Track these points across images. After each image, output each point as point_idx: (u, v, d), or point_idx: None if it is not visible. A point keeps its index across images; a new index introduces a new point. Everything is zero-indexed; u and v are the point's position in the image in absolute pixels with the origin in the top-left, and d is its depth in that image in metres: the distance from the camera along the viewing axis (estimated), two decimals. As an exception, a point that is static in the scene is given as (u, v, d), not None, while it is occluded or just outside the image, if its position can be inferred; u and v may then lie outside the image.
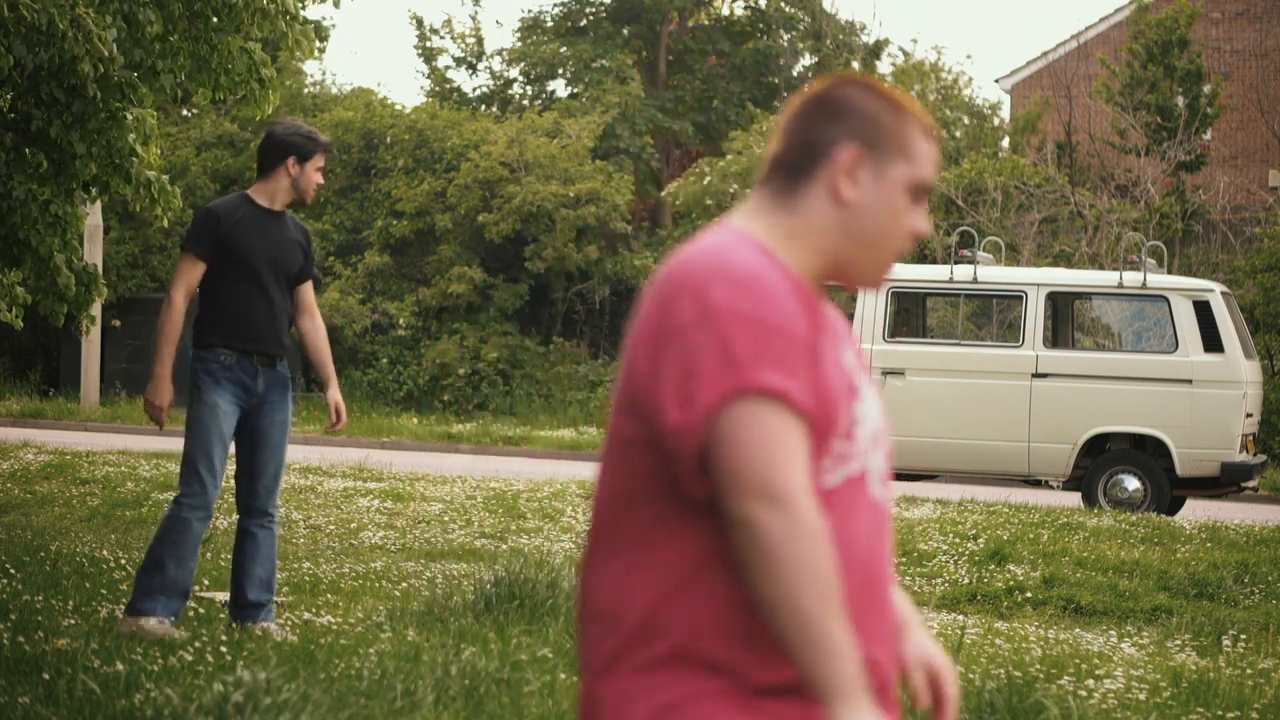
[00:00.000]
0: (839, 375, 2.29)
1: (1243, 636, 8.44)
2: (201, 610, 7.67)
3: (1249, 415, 14.48)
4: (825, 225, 2.35)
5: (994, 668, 6.51)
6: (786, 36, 33.89)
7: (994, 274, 15.19)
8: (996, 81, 32.57)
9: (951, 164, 26.32)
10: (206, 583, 8.50)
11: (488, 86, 34.22)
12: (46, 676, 5.87)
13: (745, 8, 34.67)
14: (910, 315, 16.43)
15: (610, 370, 26.49)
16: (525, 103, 33.05)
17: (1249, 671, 7.19)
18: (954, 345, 15.38)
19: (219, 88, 9.61)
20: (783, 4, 33.71)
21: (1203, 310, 14.31)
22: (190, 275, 7.18)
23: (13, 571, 8.47)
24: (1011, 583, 10.22)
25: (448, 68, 34.28)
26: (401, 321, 26.93)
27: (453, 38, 34.15)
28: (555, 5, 34.38)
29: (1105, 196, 25.17)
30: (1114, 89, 26.08)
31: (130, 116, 9.64)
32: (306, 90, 31.43)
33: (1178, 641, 8.33)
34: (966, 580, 10.34)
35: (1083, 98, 27.54)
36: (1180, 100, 25.75)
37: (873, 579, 2.31)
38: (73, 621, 7.21)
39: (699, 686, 2.22)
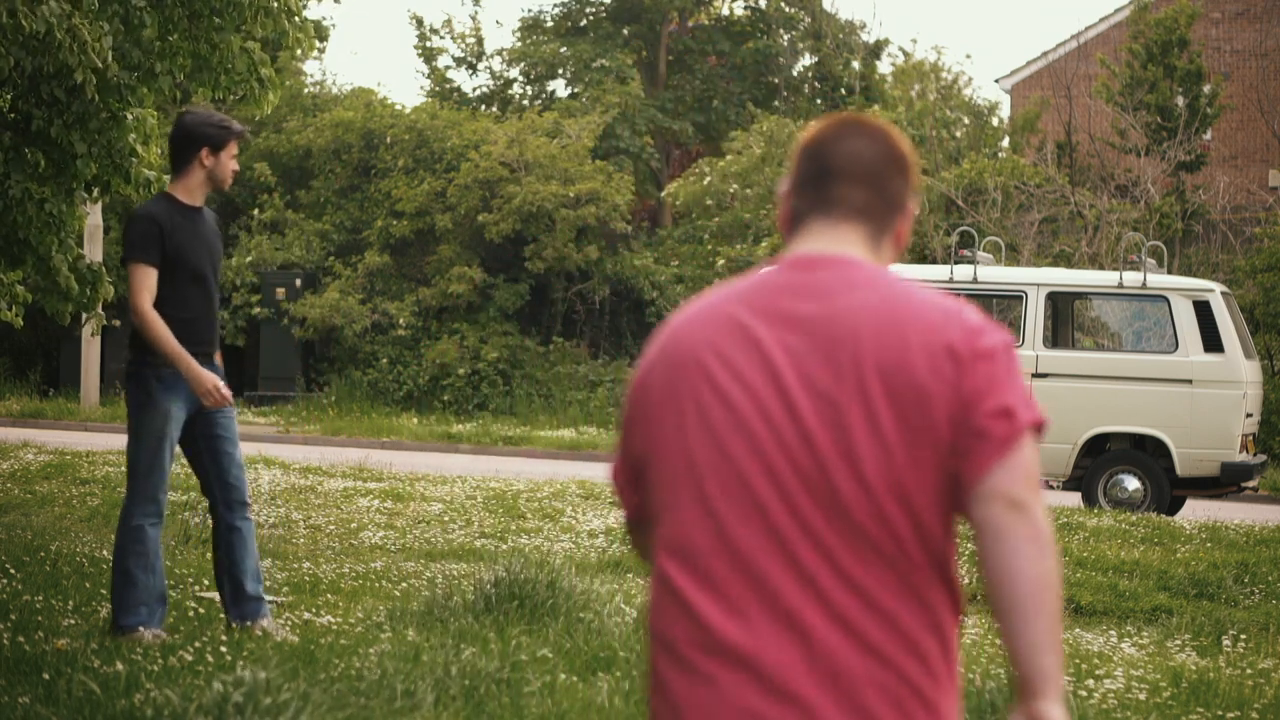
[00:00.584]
0: None
1: (1243, 636, 8.43)
2: (201, 610, 7.67)
3: (1249, 415, 14.48)
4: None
5: (994, 668, 6.51)
6: (786, 36, 33.89)
7: (994, 274, 15.19)
8: (996, 81, 32.58)
9: (951, 164, 26.32)
10: (206, 582, 8.50)
11: (488, 86, 34.23)
12: (46, 676, 5.87)
13: (745, 8, 34.68)
14: (910, 315, 16.42)
15: (610, 370, 26.50)
16: (525, 103, 33.05)
17: (1249, 671, 7.19)
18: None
19: (219, 87, 9.61)
20: (783, 4, 33.71)
21: (1203, 310, 14.31)
22: (150, 283, 7.07)
23: (13, 571, 8.47)
24: None
25: (448, 68, 34.29)
26: (401, 321, 26.92)
27: (453, 38, 34.16)
28: (555, 5, 34.40)
29: (1105, 196, 25.16)
30: (1114, 89, 26.08)
31: (130, 116, 9.64)
32: (306, 90, 31.43)
33: (1178, 641, 8.33)
34: (967, 580, 10.34)
35: (1083, 98, 27.54)
36: (1180, 100, 25.75)
37: None
38: (73, 621, 7.21)
39: None
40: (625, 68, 31.93)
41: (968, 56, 44.66)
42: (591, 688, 6.12)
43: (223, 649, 6.40)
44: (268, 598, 8.11)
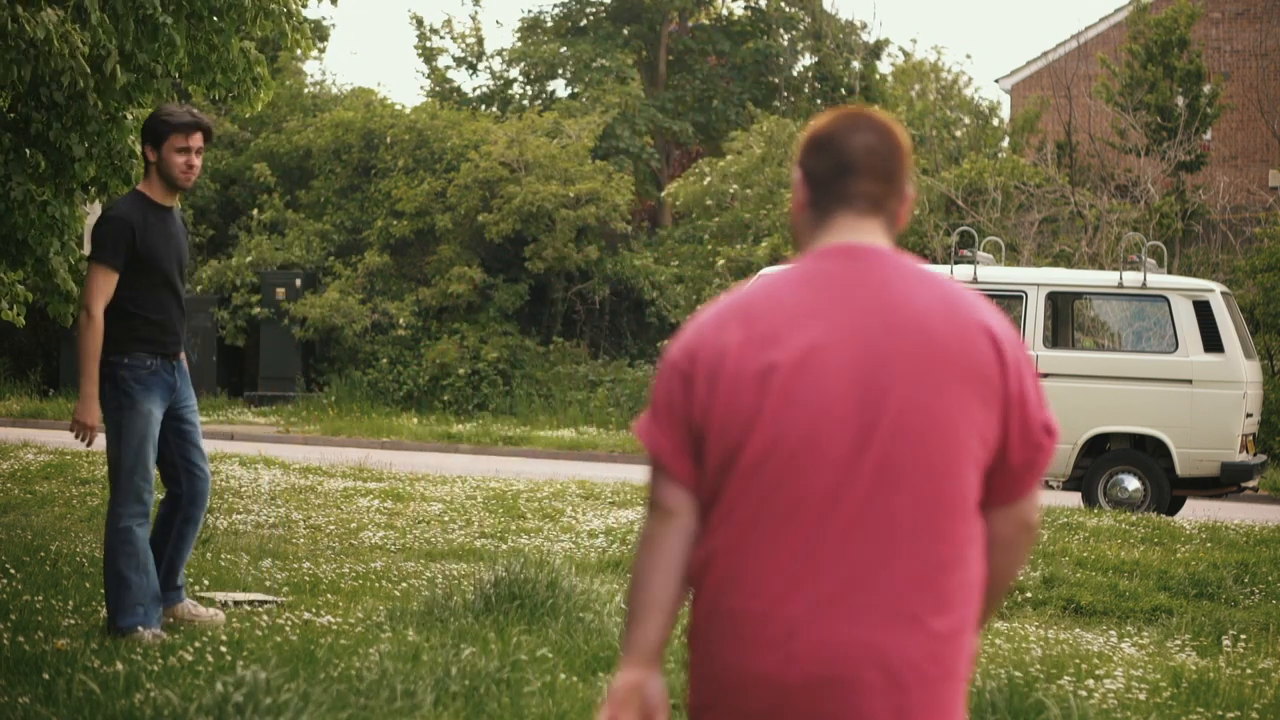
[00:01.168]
0: None
1: (1243, 636, 8.44)
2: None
3: (1249, 415, 14.47)
4: None
5: (994, 668, 6.51)
6: (786, 36, 33.89)
7: (994, 274, 15.19)
8: (996, 81, 32.58)
9: (951, 164, 26.32)
10: (206, 582, 8.50)
11: (488, 86, 34.23)
12: (46, 676, 5.87)
13: (745, 8, 34.68)
14: (910, 315, 16.42)
15: (610, 370, 26.50)
16: (525, 103, 33.05)
17: (1249, 671, 7.19)
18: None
19: (215, 85, 9.63)
20: (783, 4, 33.71)
21: (1203, 310, 14.31)
22: (107, 288, 7.02)
23: (13, 571, 8.47)
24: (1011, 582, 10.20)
25: (448, 68, 34.30)
26: (401, 321, 26.92)
27: (453, 38, 34.17)
28: (555, 5, 34.40)
29: (1105, 196, 25.16)
30: (1114, 89, 26.08)
31: (130, 117, 9.65)
32: (306, 90, 31.43)
33: (1178, 641, 8.33)
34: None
35: (1083, 98, 27.54)
36: (1180, 100, 25.74)
37: None
38: (73, 621, 7.22)
39: None
40: (625, 68, 31.93)
41: (968, 56, 44.63)
42: (591, 688, 6.12)
43: (223, 649, 6.40)
44: (268, 598, 8.14)
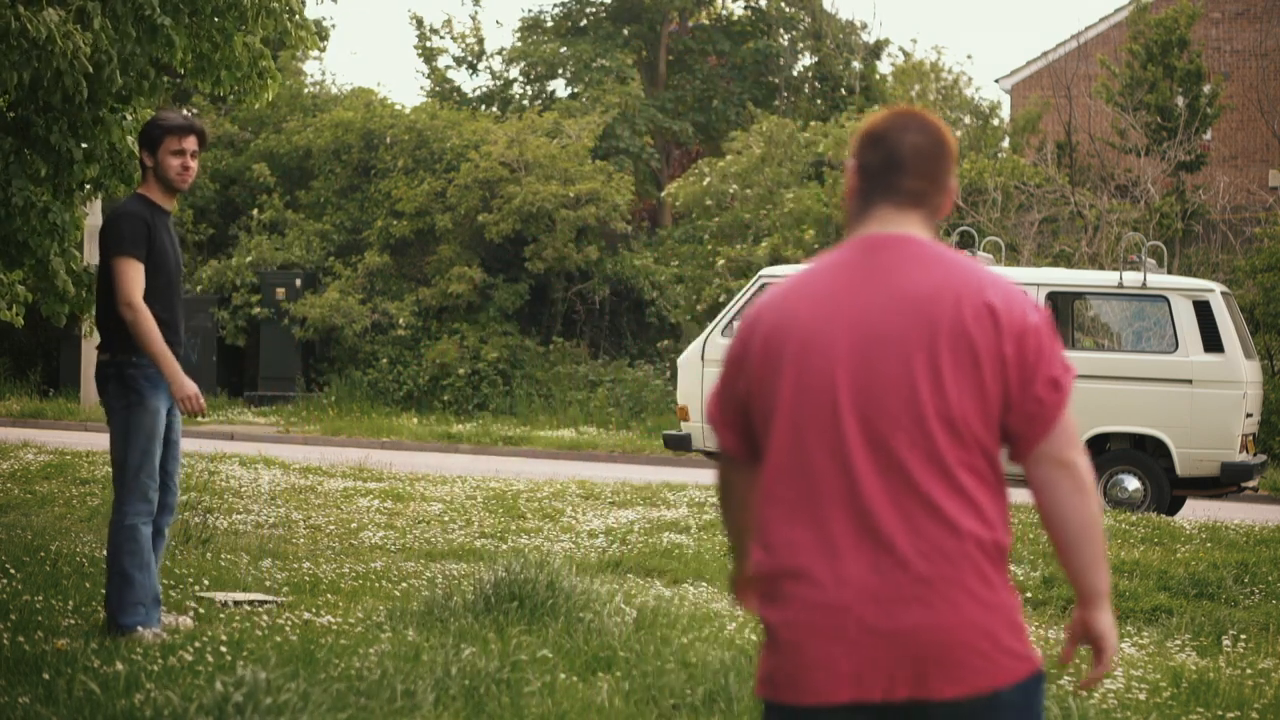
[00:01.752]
0: None
1: (1243, 636, 8.44)
2: (201, 610, 7.68)
3: (1249, 415, 14.47)
4: None
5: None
6: (786, 36, 33.88)
7: (994, 274, 15.18)
8: (996, 81, 32.58)
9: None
10: (206, 582, 8.50)
11: (488, 86, 34.23)
12: (46, 676, 5.87)
13: (745, 8, 34.68)
14: (910, 315, 16.41)
15: (610, 370, 26.50)
16: (525, 103, 33.05)
17: (1249, 671, 7.19)
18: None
19: (219, 83, 9.63)
20: (783, 4, 33.71)
21: (1203, 310, 14.30)
22: (140, 279, 7.05)
23: (13, 571, 8.47)
24: (1011, 583, 10.21)
25: (448, 67, 34.30)
26: (401, 321, 26.92)
27: (453, 38, 34.17)
28: (555, 5, 34.40)
29: (1105, 196, 25.16)
30: (1114, 89, 26.08)
31: (130, 118, 9.66)
32: (306, 90, 31.43)
33: (1178, 641, 8.33)
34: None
35: (1083, 98, 27.54)
36: (1180, 100, 25.74)
37: None
38: (73, 621, 7.22)
39: None
40: (625, 68, 31.93)
41: (969, 57, 44.44)
42: (591, 688, 6.12)
43: (223, 649, 6.41)
44: (268, 598, 8.14)
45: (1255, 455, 14.88)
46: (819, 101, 33.04)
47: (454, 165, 27.61)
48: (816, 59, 33.49)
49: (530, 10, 46.05)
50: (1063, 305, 15.73)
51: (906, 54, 33.71)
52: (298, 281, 26.87)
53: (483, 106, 33.55)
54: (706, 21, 34.53)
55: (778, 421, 3.15)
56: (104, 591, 7.26)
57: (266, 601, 8.05)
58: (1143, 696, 6.47)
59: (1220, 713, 6.30)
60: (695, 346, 15.60)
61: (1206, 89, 25.96)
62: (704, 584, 9.95)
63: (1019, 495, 13.75)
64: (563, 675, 6.23)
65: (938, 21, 62.38)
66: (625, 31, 33.49)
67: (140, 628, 6.95)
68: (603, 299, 27.56)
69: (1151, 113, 25.67)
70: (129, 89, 9.08)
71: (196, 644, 6.45)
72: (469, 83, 37.90)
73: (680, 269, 27.40)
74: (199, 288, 27.76)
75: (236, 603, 7.96)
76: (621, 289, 27.75)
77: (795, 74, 33.97)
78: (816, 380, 3.12)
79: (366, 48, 64.83)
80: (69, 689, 5.70)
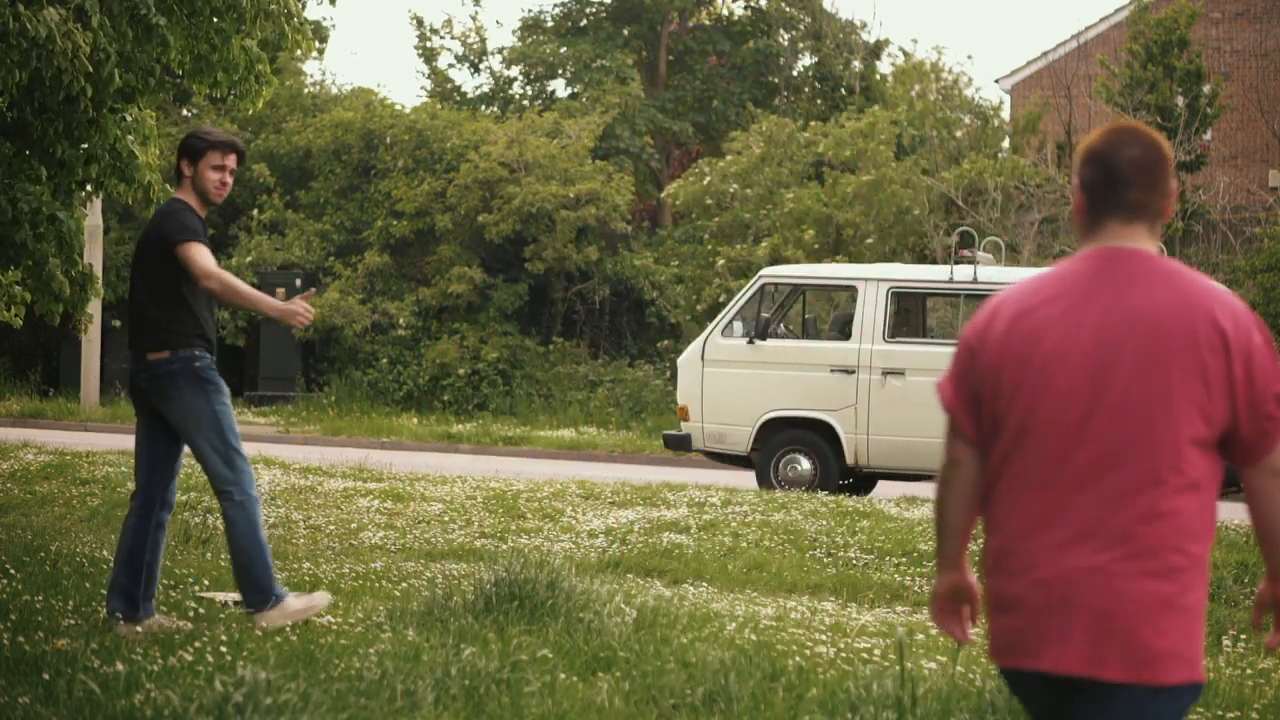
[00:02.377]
0: None
1: (1243, 636, 8.43)
2: (201, 610, 7.67)
3: (1249, 415, 14.47)
4: None
5: (994, 667, 6.51)
6: (786, 36, 33.89)
7: (994, 274, 15.19)
8: (996, 81, 32.59)
9: (952, 164, 26.32)
10: (207, 583, 8.50)
11: (488, 86, 34.24)
12: (46, 676, 5.87)
13: (745, 8, 34.69)
14: (910, 315, 16.43)
15: (610, 370, 26.51)
16: (525, 103, 33.06)
17: (1249, 671, 7.19)
18: (954, 345, 15.36)
19: (217, 84, 9.65)
20: (783, 4, 33.72)
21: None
22: (210, 256, 7.24)
23: (13, 571, 8.47)
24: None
25: (450, 66, 34.31)
26: (401, 321, 26.92)
27: (453, 37, 34.18)
28: (555, 5, 34.41)
29: (1105, 196, 25.15)
30: (1114, 89, 26.08)
31: (129, 118, 9.66)
32: (306, 90, 31.43)
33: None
34: (966, 580, 10.33)
35: (1083, 98, 27.54)
36: (1180, 100, 25.74)
37: None
38: (73, 621, 7.22)
39: None
40: (625, 68, 31.94)
41: (969, 57, 44.44)
42: (591, 688, 6.12)
43: (223, 649, 6.41)
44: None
45: (1255, 455, 14.87)
46: (819, 101, 33.04)
47: (454, 165, 27.61)
48: (816, 59, 33.49)
49: (530, 10, 46.06)
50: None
51: (906, 54, 33.73)
52: (298, 281, 26.88)
53: (483, 106, 33.56)
54: (706, 21, 34.55)
55: (1011, 424, 3.44)
56: (106, 590, 7.25)
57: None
58: (1143, 696, 6.46)
59: (1220, 713, 6.30)
60: (695, 346, 15.60)
61: (1206, 89, 25.96)
62: (704, 584, 9.95)
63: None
64: (563, 675, 6.23)
65: (938, 21, 62.41)
66: (625, 31, 33.50)
67: (289, 601, 7.24)
68: (603, 299, 27.56)
69: (1151, 113, 25.67)
70: (129, 89, 9.08)
71: (196, 644, 6.45)
72: (469, 83, 37.92)
73: (680, 269, 27.40)
74: (199, 288, 27.76)
75: (236, 603, 7.96)
76: (621, 289, 27.75)
77: (795, 74, 33.98)
78: (1052, 388, 3.40)
79: (366, 48, 64.86)
80: (69, 689, 5.70)
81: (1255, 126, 29.29)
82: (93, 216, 24.15)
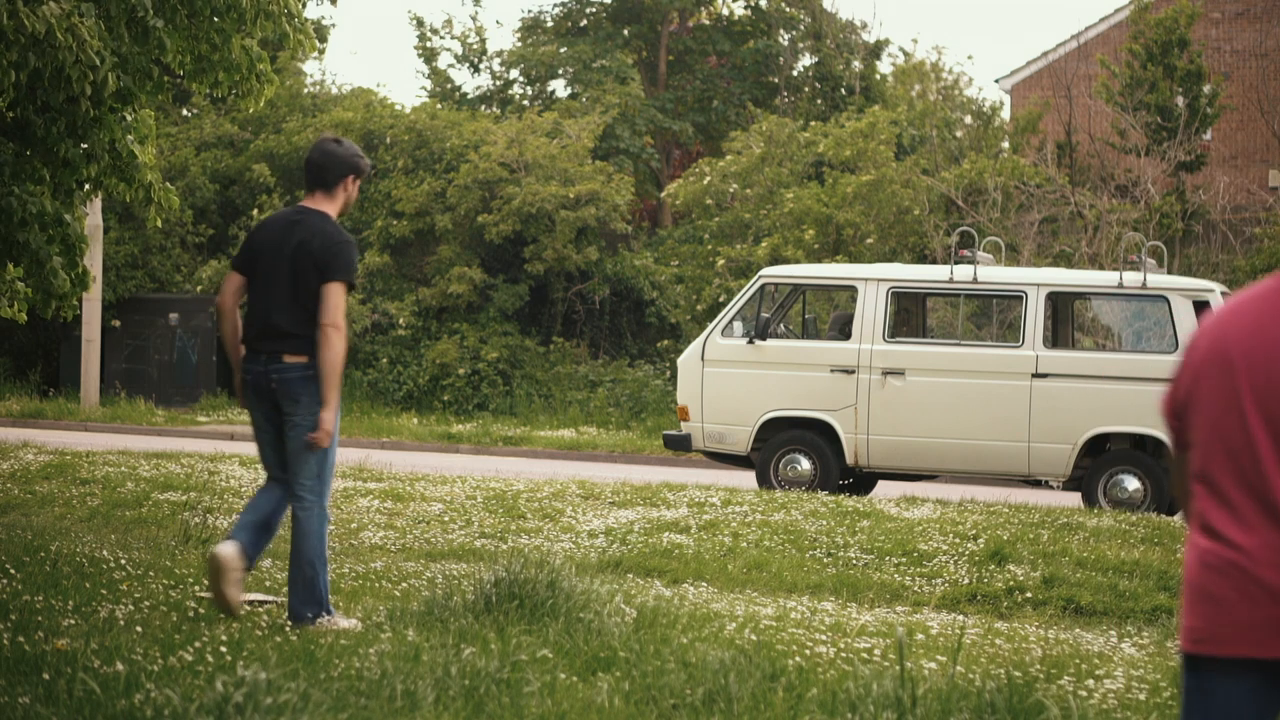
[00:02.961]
0: None
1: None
2: (201, 610, 7.68)
3: (1249, 415, 14.46)
4: None
5: (994, 668, 6.51)
6: (786, 36, 33.88)
7: (994, 274, 15.19)
8: (996, 81, 32.58)
9: (952, 164, 26.32)
10: (206, 582, 8.49)
11: (488, 86, 34.23)
12: (46, 676, 5.87)
13: (745, 8, 34.68)
14: (910, 315, 16.43)
15: (610, 370, 26.50)
16: (525, 103, 33.06)
17: (1249, 671, 7.18)
18: (954, 345, 15.38)
19: (218, 85, 9.65)
20: (783, 4, 33.71)
21: (1203, 310, 14.30)
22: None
23: (13, 571, 8.47)
24: (1011, 583, 10.22)
25: (450, 66, 34.30)
26: (401, 321, 26.92)
27: (453, 37, 34.18)
28: (555, 6, 34.40)
29: (1105, 196, 25.16)
30: (1114, 89, 26.07)
31: (129, 118, 9.66)
32: (306, 90, 31.43)
33: (1178, 641, 8.32)
34: (966, 580, 10.34)
35: (1083, 98, 27.54)
36: (1180, 100, 25.74)
37: None
38: (73, 621, 7.21)
39: None
40: (625, 68, 31.93)
41: (969, 57, 44.43)
42: (591, 688, 6.12)
43: (223, 649, 6.41)
44: (268, 598, 8.14)
45: (1255, 455, 14.87)
46: (819, 101, 33.04)
47: (454, 165, 27.61)
48: (816, 59, 33.49)
49: (530, 11, 46.05)
50: (1062, 305, 15.73)
51: (907, 54, 33.75)
52: (298, 281, 26.85)
53: (483, 107, 33.55)
54: (706, 21, 34.54)
55: (1199, 426, 3.67)
56: (106, 590, 7.25)
57: (266, 601, 8.05)
58: (1143, 696, 6.47)
59: (1220, 713, 6.30)
60: (695, 346, 15.60)
61: (1206, 89, 25.96)
62: (704, 584, 9.95)
63: (1020, 495, 13.75)
64: (563, 675, 6.23)
65: (938, 21, 62.39)
66: (625, 32, 33.50)
67: (343, 617, 7.39)
68: (603, 299, 27.56)
69: (1151, 113, 25.67)
70: (128, 89, 9.08)
71: (196, 644, 6.45)
72: (469, 83, 37.89)
73: (680, 269, 27.40)
74: (199, 288, 27.76)
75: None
76: (621, 289, 27.74)
77: (795, 74, 33.97)
78: (1231, 394, 3.61)
79: (366, 48, 64.86)
80: (69, 689, 5.70)
81: (1255, 126, 29.29)
82: (93, 216, 24.15)
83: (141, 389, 27.36)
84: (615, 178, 27.52)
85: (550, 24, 34.31)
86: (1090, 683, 6.53)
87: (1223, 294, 14.72)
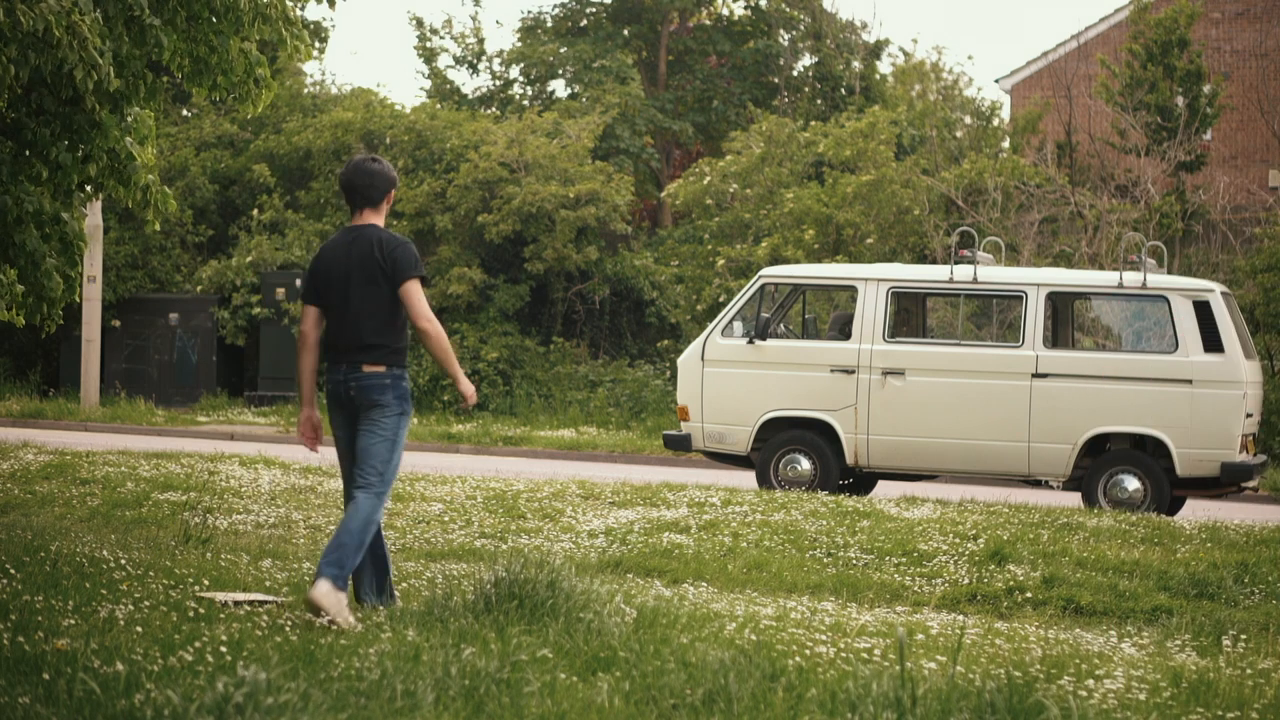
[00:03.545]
0: None
1: (1243, 636, 8.44)
2: (201, 610, 7.68)
3: (1249, 415, 14.47)
4: None
5: (994, 668, 6.51)
6: (787, 36, 33.88)
7: (994, 274, 15.19)
8: (996, 81, 32.57)
9: (952, 164, 26.32)
10: (206, 582, 8.50)
11: (488, 87, 34.23)
12: (46, 676, 5.87)
13: (745, 8, 34.68)
14: (910, 315, 16.43)
15: (610, 370, 26.50)
16: (525, 103, 33.06)
17: (1249, 671, 7.19)
18: (954, 345, 15.37)
19: (216, 88, 9.66)
20: (783, 4, 33.71)
21: (1203, 310, 14.30)
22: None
23: (13, 571, 8.47)
24: (1011, 583, 10.22)
25: (449, 67, 34.30)
26: (401, 322, 26.91)
27: (453, 38, 34.17)
28: (555, 5, 34.40)
29: (1105, 196, 25.16)
30: (1114, 89, 26.07)
31: (129, 118, 9.65)
32: (306, 90, 31.43)
33: (1178, 641, 8.33)
34: (966, 580, 10.34)
35: (1083, 98, 27.53)
36: (1180, 100, 25.73)
37: None
38: (73, 621, 7.21)
39: None
40: (625, 68, 31.93)
41: (969, 57, 44.42)
42: (591, 688, 6.12)
43: (223, 649, 6.41)
44: (268, 598, 8.14)
45: (1255, 455, 14.88)
46: (819, 101, 33.03)
47: (454, 166, 27.61)
48: (816, 59, 33.49)
49: (530, 11, 46.05)
50: (1063, 305, 15.73)
51: (907, 54, 33.75)
52: (298, 281, 26.87)
53: (482, 107, 33.55)
54: (707, 21, 34.54)
55: None
56: (107, 590, 7.24)
57: (266, 601, 8.05)
58: (1143, 696, 6.47)
59: (1220, 713, 6.30)
60: (695, 346, 15.60)
61: (1206, 89, 25.95)
62: (704, 584, 9.95)
63: (1020, 495, 13.77)
64: (563, 675, 6.23)
65: (938, 21, 62.39)
66: (625, 32, 33.50)
67: (339, 590, 7.51)
68: (603, 299, 27.56)
69: (1151, 113, 25.67)
70: (126, 90, 9.08)
71: (196, 644, 6.45)
72: (469, 83, 37.90)
73: (680, 269, 27.40)
74: (199, 288, 27.76)
75: (236, 603, 7.97)
76: (621, 289, 27.74)
77: (795, 74, 33.97)
78: None
79: (366, 48, 64.85)
80: (69, 689, 5.70)
81: (1255, 126, 29.29)
82: (93, 216, 24.14)
83: (141, 389, 27.37)
84: (615, 178, 27.52)
85: (550, 24, 34.30)
86: (1090, 683, 6.53)
87: (1223, 294, 14.72)
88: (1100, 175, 26.25)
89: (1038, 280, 14.97)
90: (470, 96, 34.01)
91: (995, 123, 30.20)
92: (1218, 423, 14.16)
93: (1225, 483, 14.40)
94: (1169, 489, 14.29)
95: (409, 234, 27.39)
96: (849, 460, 14.98)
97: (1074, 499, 14.82)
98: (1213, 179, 26.93)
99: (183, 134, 29.78)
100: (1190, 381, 14.22)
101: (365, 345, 7.72)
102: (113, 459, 14.83)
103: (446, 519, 12.11)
